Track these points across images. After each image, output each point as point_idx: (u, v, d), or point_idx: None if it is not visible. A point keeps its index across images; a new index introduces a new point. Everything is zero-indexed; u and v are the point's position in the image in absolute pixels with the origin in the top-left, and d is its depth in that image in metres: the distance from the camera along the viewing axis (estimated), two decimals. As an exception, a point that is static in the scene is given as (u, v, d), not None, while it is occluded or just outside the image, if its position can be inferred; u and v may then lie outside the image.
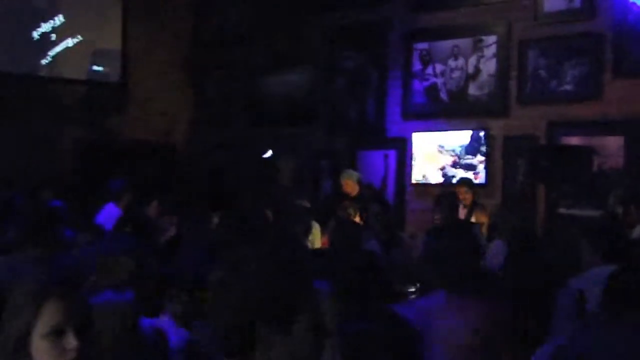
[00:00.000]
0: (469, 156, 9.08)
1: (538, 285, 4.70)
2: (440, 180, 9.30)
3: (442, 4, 9.43)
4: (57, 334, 2.21)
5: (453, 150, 9.22)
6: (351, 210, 7.95)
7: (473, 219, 7.85)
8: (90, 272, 3.49)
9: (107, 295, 3.23)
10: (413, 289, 7.79)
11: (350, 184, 8.78)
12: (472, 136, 9.07)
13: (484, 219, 7.98)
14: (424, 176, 9.47)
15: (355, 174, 8.93)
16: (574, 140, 8.30)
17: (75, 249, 5.10)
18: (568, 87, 8.39)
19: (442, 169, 9.31)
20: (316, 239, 7.80)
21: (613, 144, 8.05)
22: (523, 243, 5.70)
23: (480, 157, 8.99)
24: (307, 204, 8.92)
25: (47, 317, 2.22)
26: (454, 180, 9.01)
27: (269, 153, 11.00)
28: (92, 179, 8.69)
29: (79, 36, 11.16)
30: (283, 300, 2.11)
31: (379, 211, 7.58)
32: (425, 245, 6.34)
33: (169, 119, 11.66)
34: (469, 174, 9.03)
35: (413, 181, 9.59)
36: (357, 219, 7.91)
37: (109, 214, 7.44)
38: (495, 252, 6.39)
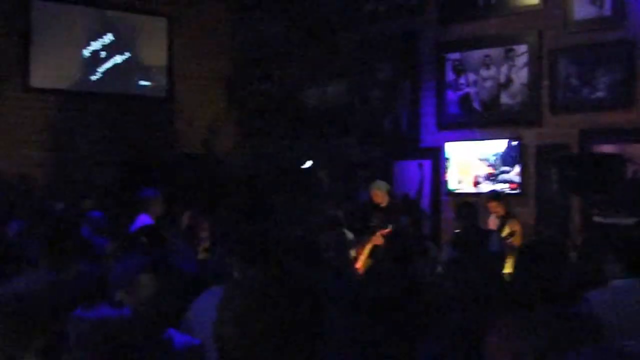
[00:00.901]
0: (503, 165, 8.97)
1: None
2: (475, 189, 9.20)
3: (473, 14, 9.35)
4: None
5: (487, 160, 9.12)
6: (375, 221, 7.95)
7: (507, 229, 7.74)
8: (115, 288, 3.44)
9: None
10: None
11: (379, 195, 8.75)
12: (505, 145, 8.95)
13: (517, 228, 7.87)
14: (458, 185, 9.38)
15: (384, 185, 8.89)
16: (607, 148, 8.11)
17: (105, 258, 5.21)
18: (600, 95, 8.22)
19: (476, 178, 9.21)
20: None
21: (646, 152, 7.85)
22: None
23: (513, 166, 8.87)
24: (341, 215, 8.90)
25: None
26: (487, 190, 8.91)
27: (309, 164, 11.04)
28: (135, 190, 8.83)
29: (127, 53, 11.43)
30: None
31: (407, 223, 7.56)
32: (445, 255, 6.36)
33: (212, 132, 11.82)
34: (503, 184, 8.91)
35: (448, 191, 9.51)
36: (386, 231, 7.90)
37: (141, 224, 7.53)
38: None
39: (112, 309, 3.24)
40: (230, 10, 12.16)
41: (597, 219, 7.93)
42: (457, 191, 9.40)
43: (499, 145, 9.01)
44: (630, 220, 7.84)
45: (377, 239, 7.86)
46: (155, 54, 11.72)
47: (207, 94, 11.86)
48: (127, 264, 3.81)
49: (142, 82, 11.68)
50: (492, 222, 8.22)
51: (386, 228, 8.22)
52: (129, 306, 3.20)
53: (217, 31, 12.00)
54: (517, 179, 8.85)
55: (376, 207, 8.88)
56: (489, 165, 9.11)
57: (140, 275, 3.37)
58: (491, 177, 9.08)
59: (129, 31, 11.51)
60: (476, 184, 9.22)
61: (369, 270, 6.29)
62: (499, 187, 8.92)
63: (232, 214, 9.71)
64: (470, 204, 7.42)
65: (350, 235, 8.05)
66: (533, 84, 8.76)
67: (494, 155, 9.06)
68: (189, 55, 11.70)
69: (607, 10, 8.16)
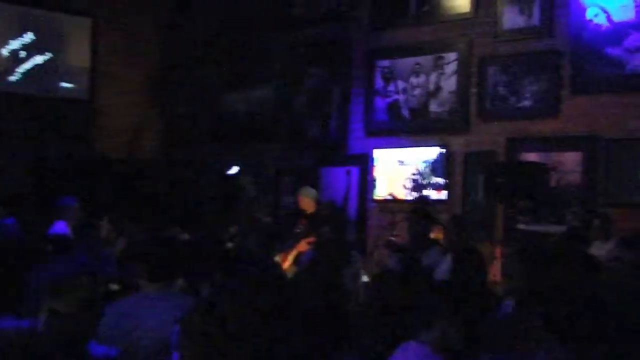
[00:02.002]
0: (430, 172, 8.84)
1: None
2: (402, 197, 9.03)
3: (404, 22, 9.25)
4: None
5: (415, 167, 8.97)
6: (301, 228, 7.80)
7: (432, 236, 7.58)
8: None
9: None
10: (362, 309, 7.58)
11: (306, 202, 8.53)
12: (433, 152, 8.83)
13: (442, 236, 7.72)
14: (385, 193, 9.20)
15: (312, 192, 8.67)
16: (533, 156, 8.06)
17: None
18: (527, 103, 8.19)
19: (404, 185, 9.05)
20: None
21: (571, 160, 7.83)
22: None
23: (441, 173, 8.75)
24: (269, 220, 8.69)
25: None
26: (414, 197, 8.79)
27: (234, 170, 10.71)
28: (53, 195, 8.40)
29: (48, 53, 10.90)
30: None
31: (329, 231, 7.33)
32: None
33: (135, 136, 11.37)
34: (430, 190, 8.79)
35: (375, 198, 9.31)
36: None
37: (57, 231, 7.20)
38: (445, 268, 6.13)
39: (16, 321, 3.14)
40: (156, 12, 11.77)
41: (520, 226, 7.87)
42: (383, 198, 9.22)
43: (427, 153, 8.88)
44: (552, 228, 7.82)
45: (302, 246, 7.71)
46: (78, 54, 11.19)
47: (130, 97, 11.40)
48: (55, 270, 3.64)
49: (64, 84, 11.14)
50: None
51: (311, 235, 8.06)
52: (47, 315, 3.03)
53: (143, 33, 11.58)
54: (443, 185, 8.72)
55: (302, 214, 8.64)
56: (416, 173, 8.96)
57: (68, 281, 3.18)
58: (418, 184, 8.93)
59: (51, 30, 10.95)
60: (403, 190, 9.05)
61: (292, 279, 5.98)
62: (426, 193, 8.79)
63: (149, 221, 9.31)
64: (422, 210, 7.18)
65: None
66: (461, 91, 8.69)
67: (421, 162, 8.92)
68: (113, 56, 11.22)
69: (535, 20, 8.16)
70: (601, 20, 7.70)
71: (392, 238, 7.96)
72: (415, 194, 8.90)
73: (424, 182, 8.88)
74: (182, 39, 11.58)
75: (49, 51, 10.90)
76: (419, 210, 7.25)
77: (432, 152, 8.84)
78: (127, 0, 11.35)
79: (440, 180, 8.75)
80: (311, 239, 7.78)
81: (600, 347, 2.88)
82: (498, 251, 7.51)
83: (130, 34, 11.40)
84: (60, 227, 7.36)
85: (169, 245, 4.06)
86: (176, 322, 2.49)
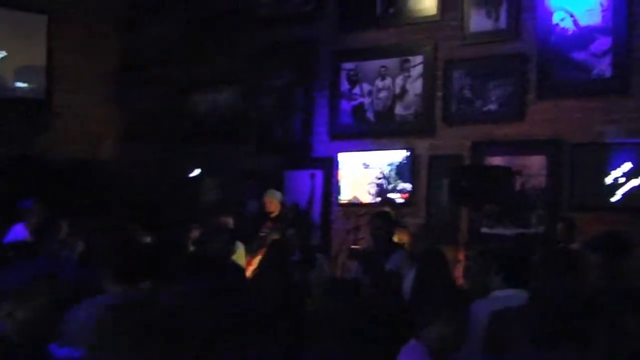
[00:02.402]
0: (395, 176, 8.74)
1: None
2: (367, 200, 8.92)
3: (370, 24, 9.14)
4: None
5: (379, 170, 8.87)
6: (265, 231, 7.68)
7: (395, 239, 7.46)
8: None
9: None
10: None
11: (272, 204, 8.41)
12: (398, 156, 8.74)
13: (405, 239, 7.61)
14: (350, 196, 9.08)
15: (278, 194, 8.55)
16: (498, 160, 8.01)
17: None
18: (492, 107, 8.15)
19: (369, 188, 8.94)
20: (240, 258, 7.44)
21: (536, 164, 7.80)
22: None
23: (406, 177, 8.66)
24: (230, 223, 8.47)
25: None
26: (378, 201, 8.69)
27: (197, 172, 10.49)
28: (12, 197, 8.13)
29: (3, 52, 10.54)
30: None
31: (293, 234, 7.19)
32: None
33: (96, 136, 11.07)
34: (395, 194, 8.69)
35: (339, 201, 9.19)
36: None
37: (15, 235, 7.02)
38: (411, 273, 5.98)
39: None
40: (116, 9, 11.49)
41: (484, 229, 7.80)
42: (348, 201, 9.10)
43: (392, 156, 8.79)
44: (515, 232, 7.76)
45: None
46: (34, 53, 10.82)
47: (89, 96, 11.06)
48: (17, 274, 3.46)
49: (19, 84, 10.80)
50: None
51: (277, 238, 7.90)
52: (7, 319, 2.98)
53: (103, 31, 11.28)
54: (408, 189, 8.64)
55: (266, 216, 8.49)
56: (381, 176, 8.86)
57: (32, 284, 3.12)
58: (383, 188, 8.83)
59: (5, 28, 10.57)
60: (368, 194, 8.94)
61: (250, 282, 6.01)
62: (390, 197, 8.69)
63: (111, 223, 9.06)
64: (385, 214, 7.05)
65: (240, 245, 7.71)
66: (427, 95, 8.61)
67: (386, 165, 8.82)
68: (71, 55, 10.87)
69: (502, 24, 8.12)
70: (568, 24, 7.68)
71: (355, 246, 7.84)
72: (379, 198, 8.80)
73: (389, 185, 8.78)
74: (145, 38, 11.33)
75: (3, 49, 10.53)
76: (381, 213, 7.12)
77: (397, 156, 8.75)
78: (86, -3, 11.07)
79: (405, 184, 8.66)
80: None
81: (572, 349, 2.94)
82: (462, 254, 7.44)
83: (89, 32, 11.08)
84: (19, 230, 7.19)
85: (132, 248, 4.11)
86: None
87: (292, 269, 5.80)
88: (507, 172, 7.62)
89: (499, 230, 7.68)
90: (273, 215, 8.47)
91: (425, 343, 3.35)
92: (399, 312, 4.65)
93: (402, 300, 5.24)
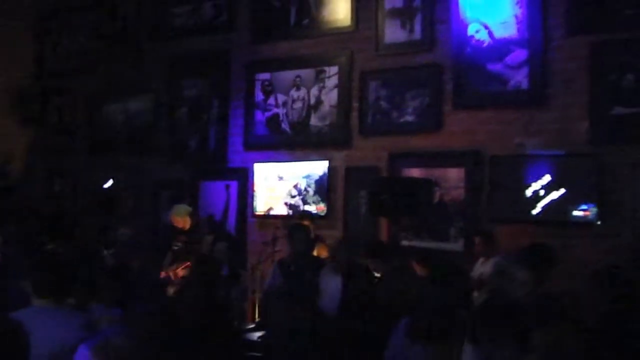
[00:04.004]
0: (311, 187, 7.48)
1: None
2: (282, 212, 7.63)
3: (284, 34, 7.86)
4: None
5: (295, 182, 7.59)
6: (179, 244, 6.59)
7: (315, 253, 6.28)
8: None
9: None
10: (252, 326, 6.36)
11: (179, 220, 7.09)
12: (314, 167, 7.48)
13: (324, 253, 6.45)
14: (265, 207, 7.77)
15: (184, 209, 7.22)
16: (415, 172, 6.86)
17: None
18: (409, 118, 6.99)
19: (284, 200, 7.65)
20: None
21: (454, 176, 6.67)
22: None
23: (322, 189, 7.41)
24: (128, 233, 7.33)
25: None
26: (296, 212, 7.44)
27: (110, 183, 8.97)
28: None
29: None
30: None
31: (223, 248, 6.05)
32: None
33: (6, 147, 9.38)
34: (311, 206, 7.45)
35: (255, 213, 7.86)
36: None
37: None
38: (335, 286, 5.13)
39: None
40: (27, 18, 9.83)
41: (404, 242, 6.71)
42: (264, 213, 7.79)
43: (308, 167, 7.52)
44: (434, 244, 6.74)
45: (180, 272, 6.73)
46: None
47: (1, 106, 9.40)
48: None
49: None
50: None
51: (190, 251, 6.77)
52: None
53: (16, 39, 9.57)
54: (325, 201, 7.39)
55: (178, 230, 7.16)
56: (297, 188, 7.59)
57: None
58: (299, 200, 7.56)
59: None
60: (284, 206, 7.65)
61: (175, 296, 5.30)
62: (307, 209, 7.45)
63: (25, 236, 7.64)
64: (304, 226, 5.86)
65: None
66: (343, 106, 7.40)
67: (302, 177, 7.55)
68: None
69: (417, 35, 6.98)
70: (483, 36, 6.61)
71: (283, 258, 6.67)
72: (295, 210, 7.55)
73: (305, 197, 7.52)
74: (56, 47, 9.73)
75: None
76: (300, 225, 5.98)
77: (313, 167, 7.49)
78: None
79: (322, 196, 7.42)
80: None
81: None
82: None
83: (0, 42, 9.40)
84: None
85: (51, 262, 3.55)
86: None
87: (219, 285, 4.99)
88: (426, 184, 6.49)
89: (418, 243, 6.64)
90: (185, 229, 7.13)
91: None
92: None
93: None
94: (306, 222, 6.34)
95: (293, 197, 7.58)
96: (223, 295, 5.22)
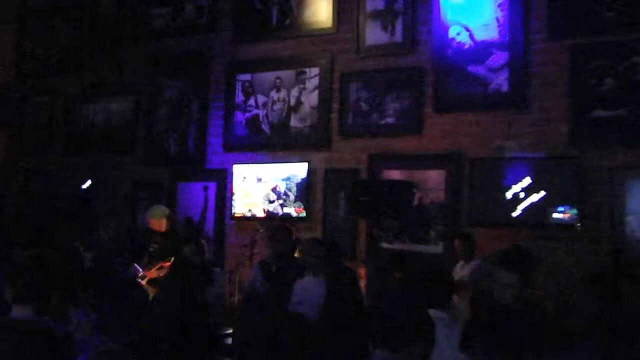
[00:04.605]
0: (291, 189, 7.42)
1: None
2: (261, 214, 7.56)
3: (265, 35, 7.81)
4: None
5: (275, 183, 7.53)
6: (155, 246, 6.50)
7: (296, 255, 6.22)
8: None
9: None
10: (230, 330, 6.27)
11: (155, 223, 7.01)
12: (293, 169, 7.43)
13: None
14: (245, 209, 7.69)
15: (161, 211, 7.13)
16: (395, 174, 6.83)
17: None
18: (390, 120, 6.96)
19: (263, 202, 7.58)
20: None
21: (434, 178, 6.65)
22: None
23: (301, 190, 7.36)
24: (107, 235, 7.26)
25: None
26: (274, 215, 7.39)
27: (88, 183, 8.84)
28: None
29: None
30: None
31: (191, 251, 5.94)
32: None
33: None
34: (291, 208, 7.39)
35: (234, 215, 7.78)
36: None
37: None
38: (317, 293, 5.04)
39: None
40: (6, 18, 9.69)
41: (383, 244, 6.66)
42: (243, 215, 7.71)
43: (287, 169, 7.46)
44: (414, 247, 6.71)
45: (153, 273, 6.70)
46: None
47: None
48: None
49: None
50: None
51: (167, 254, 6.69)
52: None
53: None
54: (304, 203, 7.34)
55: (154, 232, 7.07)
56: (276, 189, 7.53)
57: None
58: (278, 201, 7.50)
59: None
60: (263, 208, 7.58)
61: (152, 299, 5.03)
62: (286, 211, 7.39)
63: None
64: (286, 227, 5.81)
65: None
66: (323, 107, 7.35)
67: (281, 179, 7.49)
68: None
69: (398, 37, 6.97)
70: (464, 38, 6.60)
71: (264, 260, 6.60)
72: (275, 211, 7.48)
73: (284, 199, 7.46)
74: (36, 46, 9.60)
75: None
76: (282, 227, 5.93)
77: (293, 169, 7.42)
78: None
79: (301, 198, 7.36)
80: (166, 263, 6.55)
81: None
82: (362, 270, 6.27)
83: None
84: None
85: (31, 267, 3.39)
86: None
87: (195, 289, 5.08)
88: (407, 187, 6.45)
89: (398, 246, 6.60)
90: (161, 231, 7.05)
91: None
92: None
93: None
94: (288, 224, 6.30)
95: (272, 202, 7.50)
96: (200, 298, 5.17)
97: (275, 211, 7.46)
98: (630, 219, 5.72)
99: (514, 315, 3.10)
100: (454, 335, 3.27)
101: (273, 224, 6.50)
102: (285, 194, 7.43)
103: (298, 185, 7.37)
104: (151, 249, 6.99)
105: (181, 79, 8.36)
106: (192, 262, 5.92)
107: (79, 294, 4.01)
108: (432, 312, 3.60)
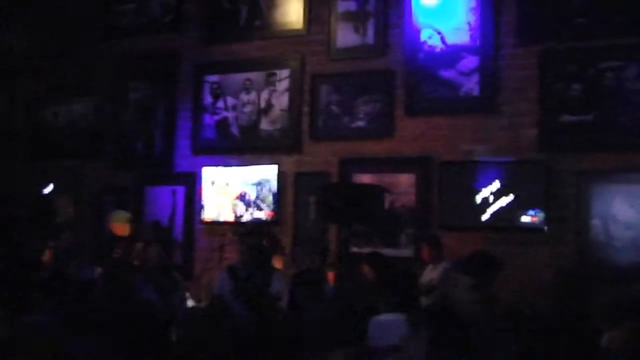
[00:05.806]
0: (260, 193, 7.52)
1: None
2: (231, 218, 7.64)
3: (235, 36, 7.88)
4: None
5: (244, 187, 7.61)
6: (119, 252, 6.54)
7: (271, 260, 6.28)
8: None
9: None
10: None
11: (118, 227, 7.03)
12: (263, 172, 7.52)
13: (279, 264, 6.50)
14: (214, 214, 7.76)
15: (123, 216, 7.18)
16: (366, 178, 6.95)
17: None
18: (360, 124, 7.10)
19: (233, 206, 7.66)
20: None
21: (405, 182, 6.80)
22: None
23: (271, 194, 7.46)
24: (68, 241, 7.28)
25: None
26: (245, 219, 7.48)
27: (50, 188, 8.82)
28: None
29: None
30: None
31: (157, 254, 5.96)
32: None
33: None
34: (260, 211, 7.48)
35: (202, 219, 7.84)
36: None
37: None
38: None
39: None
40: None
41: (354, 249, 6.80)
42: (212, 219, 7.78)
43: (257, 172, 7.55)
44: (385, 251, 6.82)
45: None
46: None
47: None
48: None
49: None
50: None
51: (127, 258, 6.73)
52: None
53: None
54: (274, 207, 7.44)
55: (118, 237, 7.11)
56: (245, 193, 7.61)
57: None
58: (248, 205, 7.59)
59: None
60: (232, 212, 7.66)
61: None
62: (256, 215, 7.48)
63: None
64: (256, 232, 5.86)
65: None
66: (294, 110, 7.45)
67: (251, 182, 7.58)
68: None
69: (369, 39, 7.10)
70: (435, 42, 6.77)
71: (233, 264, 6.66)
72: (244, 215, 7.57)
73: (254, 202, 7.55)
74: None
75: None
76: (252, 232, 5.98)
77: (263, 172, 7.51)
78: None
79: (271, 201, 7.46)
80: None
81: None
82: (331, 275, 6.38)
83: None
84: None
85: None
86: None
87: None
88: (377, 190, 6.58)
89: (368, 250, 6.71)
90: (124, 236, 7.08)
91: None
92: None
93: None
94: (260, 229, 6.36)
95: (241, 202, 7.58)
96: (145, 301, 5.12)
97: (245, 215, 7.54)
98: (595, 222, 5.94)
99: (468, 318, 3.41)
100: (420, 336, 3.44)
101: (244, 228, 6.55)
102: (255, 197, 7.52)
103: (268, 188, 7.46)
104: (115, 255, 7.02)
105: (148, 80, 8.39)
106: (128, 263, 5.99)
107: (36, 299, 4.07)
108: (398, 315, 3.80)
